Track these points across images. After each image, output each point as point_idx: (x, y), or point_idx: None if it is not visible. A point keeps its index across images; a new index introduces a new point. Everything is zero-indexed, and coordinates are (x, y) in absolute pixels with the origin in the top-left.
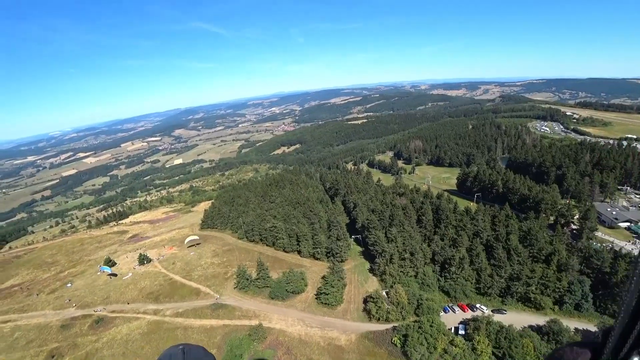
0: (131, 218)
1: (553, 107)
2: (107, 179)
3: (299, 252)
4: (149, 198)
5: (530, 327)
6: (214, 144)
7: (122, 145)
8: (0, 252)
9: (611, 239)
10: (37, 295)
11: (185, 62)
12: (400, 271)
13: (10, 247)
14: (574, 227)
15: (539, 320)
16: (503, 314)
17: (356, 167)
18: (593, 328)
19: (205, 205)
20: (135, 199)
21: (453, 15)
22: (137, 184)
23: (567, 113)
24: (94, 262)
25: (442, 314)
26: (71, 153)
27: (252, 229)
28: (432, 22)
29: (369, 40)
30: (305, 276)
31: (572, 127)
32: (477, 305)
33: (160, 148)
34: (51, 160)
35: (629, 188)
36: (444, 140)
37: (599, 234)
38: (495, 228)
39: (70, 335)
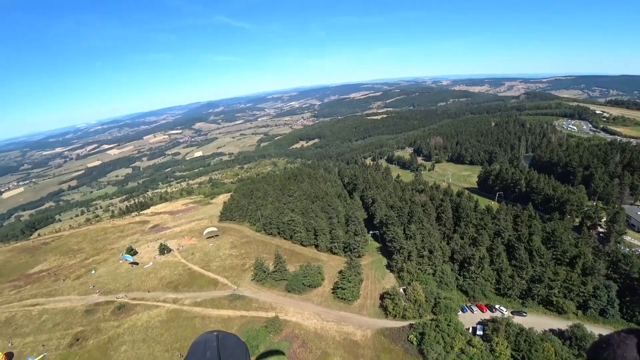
0: (152, 209)
1: (581, 105)
2: (129, 170)
3: (317, 246)
4: (169, 189)
5: (552, 331)
6: (234, 138)
7: (144, 137)
8: (30, 239)
9: None
10: (64, 280)
11: (208, 55)
12: (418, 268)
13: (39, 234)
14: (600, 230)
15: (561, 324)
16: (523, 316)
17: (375, 162)
18: None
19: (224, 197)
20: (156, 190)
21: (477, 8)
22: (158, 175)
23: (597, 111)
24: (117, 251)
25: (460, 313)
26: (96, 145)
27: (270, 222)
28: (455, 15)
29: (390, 34)
30: (322, 270)
31: (601, 126)
32: (497, 306)
33: (181, 141)
34: (77, 151)
35: None
36: (465, 138)
37: (627, 238)
38: (517, 228)
39: (94, 320)
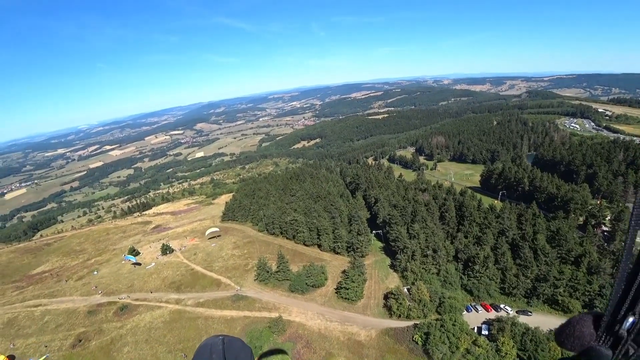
0: (154, 209)
1: (584, 103)
2: (131, 171)
3: (319, 246)
4: (171, 190)
5: None
6: (235, 138)
7: (146, 138)
8: (32, 240)
9: None
10: (66, 281)
11: (208, 56)
12: (422, 268)
13: (41, 235)
14: (605, 228)
15: None
16: (528, 315)
17: (377, 162)
18: None
19: (225, 197)
20: (158, 191)
21: (478, 7)
22: (160, 176)
23: (599, 110)
24: (119, 251)
25: (464, 313)
26: (98, 146)
27: (272, 221)
28: (456, 14)
29: (391, 33)
30: (326, 270)
31: (604, 124)
32: (501, 306)
33: (182, 141)
34: (79, 152)
35: None
36: (467, 137)
37: None
38: (521, 227)
39: (97, 321)
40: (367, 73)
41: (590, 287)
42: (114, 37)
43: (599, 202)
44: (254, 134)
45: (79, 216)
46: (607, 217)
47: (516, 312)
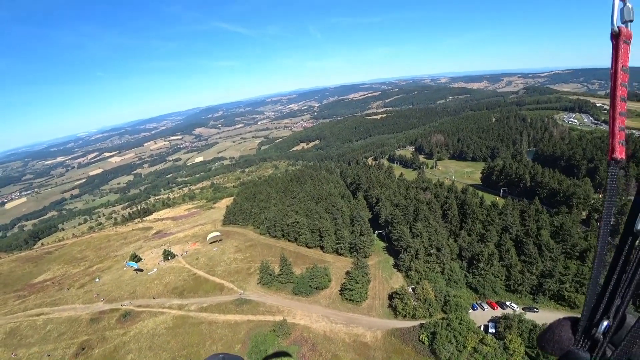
0: (155, 215)
1: (581, 98)
2: (131, 178)
3: (322, 248)
4: (171, 195)
5: None
6: (234, 142)
7: (145, 144)
8: (33, 249)
9: None
10: (68, 289)
11: (206, 61)
12: (426, 267)
13: (42, 244)
14: None
15: None
16: (535, 312)
17: (377, 162)
18: None
19: (226, 201)
20: (159, 197)
21: (472, 6)
22: (160, 181)
23: (597, 104)
24: (121, 258)
25: (470, 311)
26: (97, 153)
27: (274, 224)
28: (452, 13)
29: (387, 34)
30: (329, 272)
31: (602, 118)
32: (507, 303)
33: (181, 146)
34: (79, 160)
35: None
36: (467, 134)
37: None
38: (524, 223)
39: (99, 329)
40: (365, 73)
41: None
42: (112, 45)
43: (601, 196)
44: (253, 137)
45: (79, 224)
46: None
47: (522, 309)
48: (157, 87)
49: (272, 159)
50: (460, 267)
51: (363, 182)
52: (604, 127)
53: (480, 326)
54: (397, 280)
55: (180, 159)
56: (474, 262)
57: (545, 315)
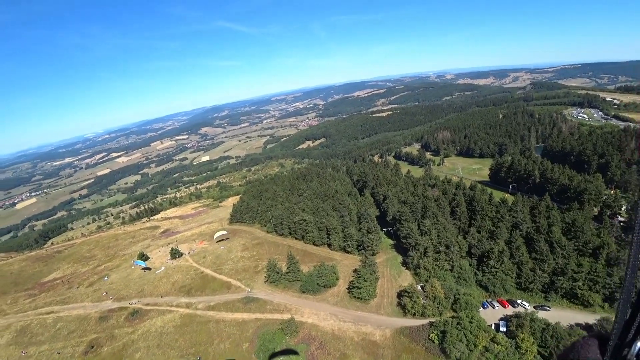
0: (162, 214)
1: (590, 92)
2: (138, 177)
3: (329, 246)
4: (178, 194)
5: (578, 325)
6: (240, 141)
7: (151, 144)
8: (43, 248)
9: None
10: (77, 288)
11: (210, 60)
12: (435, 265)
13: (52, 243)
14: (621, 219)
15: (587, 318)
16: (547, 310)
17: (383, 159)
18: None
19: (232, 200)
20: (166, 196)
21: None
22: (167, 181)
23: (607, 99)
24: (129, 257)
25: (480, 309)
26: (105, 153)
27: (280, 222)
28: (457, 7)
29: (391, 30)
30: (337, 270)
31: (612, 113)
32: (518, 301)
33: (187, 146)
34: (87, 160)
35: None
36: (473, 131)
37: None
38: (535, 220)
39: (108, 327)
40: (369, 71)
41: (611, 279)
42: (117, 46)
43: (612, 192)
44: (258, 136)
45: (88, 223)
46: (622, 207)
47: (534, 307)
48: (163, 87)
49: (278, 157)
50: (470, 265)
51: (370, 179)
52: (614, 121)
53: (491, 325)
54: (406, 278)
55: (186, 159)
56: (484, 259)
57: (557, 314)
